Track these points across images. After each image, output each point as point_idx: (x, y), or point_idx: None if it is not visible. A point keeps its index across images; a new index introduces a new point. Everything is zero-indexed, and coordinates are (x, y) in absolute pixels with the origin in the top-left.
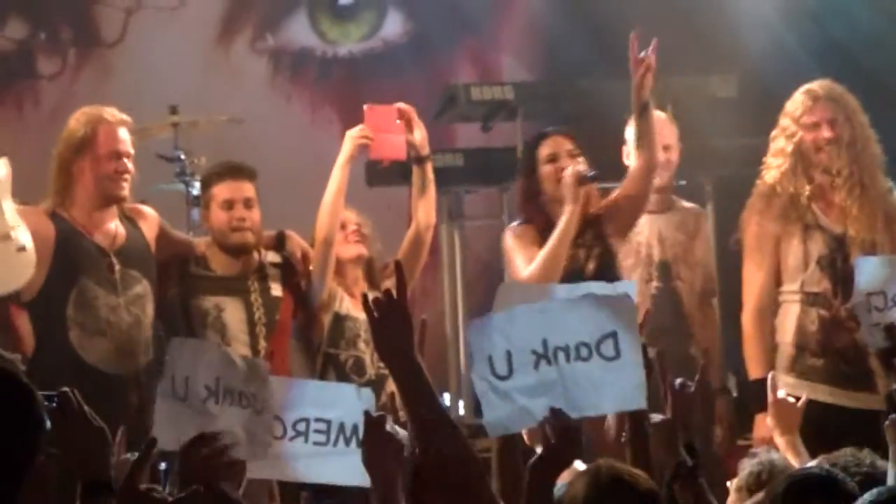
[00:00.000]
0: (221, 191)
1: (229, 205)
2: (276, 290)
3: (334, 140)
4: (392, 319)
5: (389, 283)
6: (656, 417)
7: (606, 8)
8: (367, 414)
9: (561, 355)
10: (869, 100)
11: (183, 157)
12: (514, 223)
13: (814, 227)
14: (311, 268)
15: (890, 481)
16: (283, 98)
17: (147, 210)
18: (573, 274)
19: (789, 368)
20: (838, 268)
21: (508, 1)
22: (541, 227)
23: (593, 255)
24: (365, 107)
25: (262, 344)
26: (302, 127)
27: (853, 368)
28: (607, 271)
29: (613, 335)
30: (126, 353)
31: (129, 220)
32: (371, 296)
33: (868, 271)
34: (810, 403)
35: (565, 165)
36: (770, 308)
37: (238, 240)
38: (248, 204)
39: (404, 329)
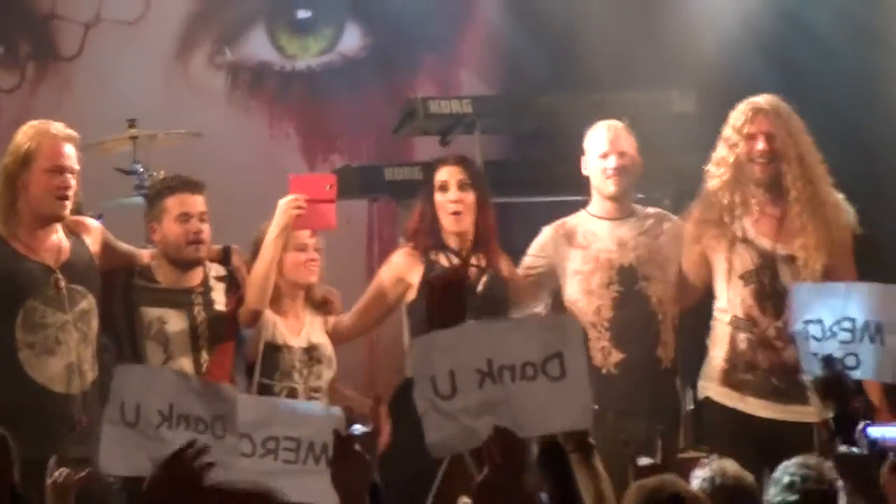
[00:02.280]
0: (176, 204)
1: (185, 218)
2: (220, 304)
3: (293, 154)
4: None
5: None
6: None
7: (566, 23)
8: (336, 433)
9: (506, 374)
10: (825, 116)
11: (141, 170)
12: (405, 247)
13: (742, 241)
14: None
15: None
16: (241, 112)
17: (91, 222)
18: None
19: (721, 381)
20: (765, 283)
21: (468, 16)
22: (425, 249)
23: (483, 277)
24: (290, 176)
25: (205, 357)
26: (260, 141)
27: (784, 383)
28: (496, 293)
29: (559, 355)
30: (75, 371)
31: (73, 233)
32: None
33: (806, 298)
34: (742, 416)
35: (461, 198)
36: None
37: (193, 253)
38: (202, 218)
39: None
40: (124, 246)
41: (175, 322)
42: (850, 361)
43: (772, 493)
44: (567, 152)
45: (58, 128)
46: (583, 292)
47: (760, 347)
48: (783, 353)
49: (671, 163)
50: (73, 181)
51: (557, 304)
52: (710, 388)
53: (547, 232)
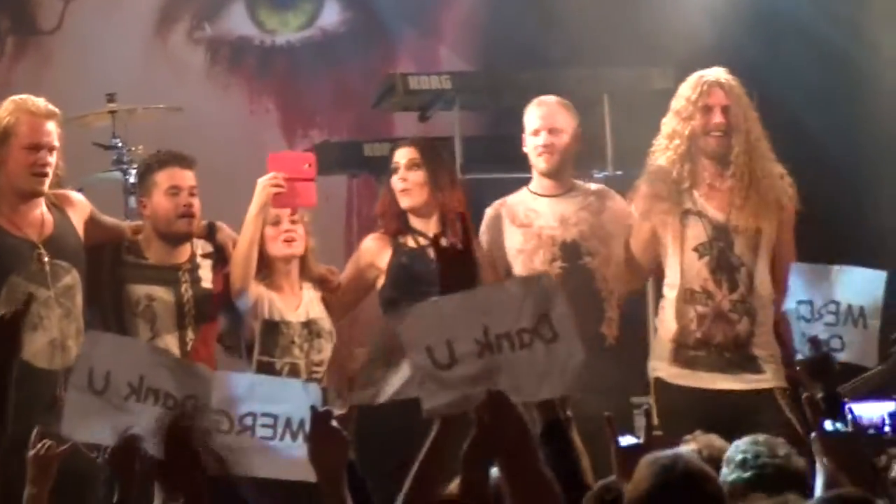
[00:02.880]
0: (166, 177)
1: (175, 191)
2: (207, 282)
3: (273, 129)
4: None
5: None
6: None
7: None
8: (313, 409)
9: (505, 343)
10: (804, 93)
11: (120, 145)
12: (376, 232)
13: (694, 214)
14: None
15: (817, 492)
16: (221, 87)
17: (76, 196)
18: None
19: (671, 360)
20: (717, 256)
21: None
22: (393, 232)
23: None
24: (269, 155)
25: (191, 336)
26: (240, 116)
27: (736, 355)
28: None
29: (546, 316)
30: (58, 347)
31: (57, 207)
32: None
33: (799, 278)
34: (696, 392)
35: (406, 177)
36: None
37: (184, 227)
38: (192, 192)
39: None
40: (109, 220)
41: (163, 299)
42: (836, 344)
43: (724, 472)
44: None
45: (38, 104)
46: (527, 270)
47: (716, 320)
48: (737, 325)
49: (649, 140)
50: (51, 158)
51: None
52: (661, 367)
53: (489, 213)
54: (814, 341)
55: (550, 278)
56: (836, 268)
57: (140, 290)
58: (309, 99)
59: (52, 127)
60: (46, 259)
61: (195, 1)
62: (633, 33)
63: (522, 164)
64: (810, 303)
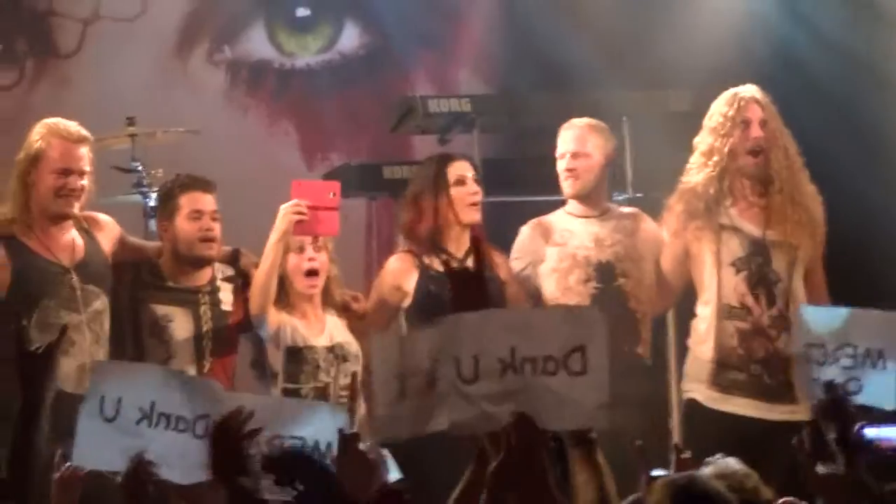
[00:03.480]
0: (188, 201)
1: (197, 215)
2: (227, 304)
3: (292, 152)
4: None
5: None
6: None
7: (563, 22)
8: (340, 432)
9: (528, 367)
10: (822, 113)
11: (140, 168)
12: (400, 252)
13: (729, 229)
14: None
15: None
16: (240, 110)
17: (104, 219)
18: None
19: (710, 382)
20: (755, 271)
21: (465, 14)
22: (422, 251)
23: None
24: (293, 182)
25: (208, 358)
26: (259, 139)
27: (775, 380)
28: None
29: (582, 349)
30: (87, 371)
31: (87, 231)
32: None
33: (810, 320)
34: (729, 417)
35: (472, 190)
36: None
37: (205, 251)
38: (213, 216)
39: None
40: (137, 241)
41: (181, 321)
42: (853, 387)
43: None
44: None
45: (70, 128)
46: (560, 289)
47: (755, 336)
48: (777, 342)
49: (668, 162)
50: (82, 182)
51: (538, 303)
52: (697, 389)
53: (524, 231)
54: (829, 385)
55: (601, 316)
56: (847, 310)
57: (158, 310)
58: (328, 122)
59: (83, 151)
60: (78, 284)
61: (214, 24)
62: (650, 55)
63: (542, 186)
64: (823, 346)
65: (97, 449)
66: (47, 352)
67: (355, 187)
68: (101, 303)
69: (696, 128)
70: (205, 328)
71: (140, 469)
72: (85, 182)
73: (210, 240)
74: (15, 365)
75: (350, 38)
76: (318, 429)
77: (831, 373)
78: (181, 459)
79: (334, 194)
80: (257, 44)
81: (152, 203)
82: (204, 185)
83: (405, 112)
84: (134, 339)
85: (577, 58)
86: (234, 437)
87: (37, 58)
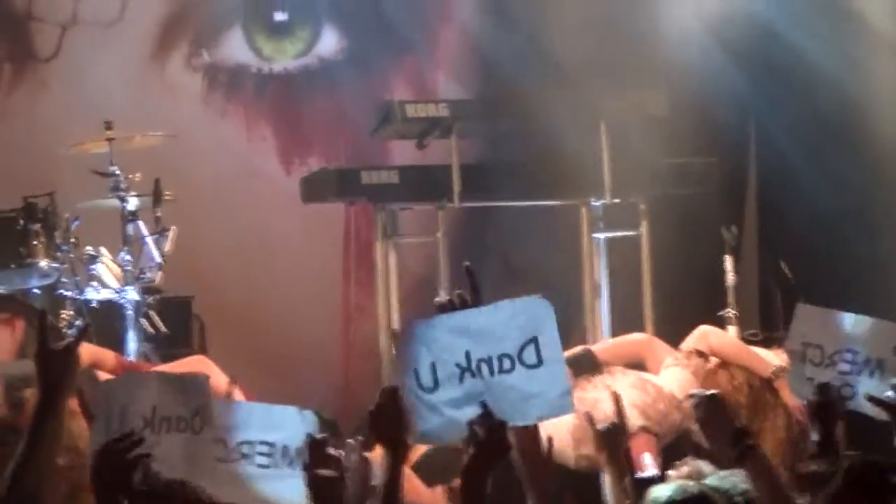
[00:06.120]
0: None
1: None
2: None
3: (270, 156)
4: None
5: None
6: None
7: (541, 25)
8: (309, 436)
9: (485, 368)
10: (802, 119)
11: (118, 172)
12: None
13: None
14: None
15: None
16: (218, 114)
17: None
18: None
19: None
20: None
21: (443, 19)
22: None
23: None
24: None
25: None
26: (237, 143)
27: None
28: None
29: (534, 341)
30: None
31: None
32: None
33: (808, 320)
34: None
35: None
36: None
37: None
38: None
39: None
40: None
41: None
42: (846, 392)
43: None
44: (542, 154)
45: None
46: None
47: None
48: None
49: (644, 166)
50: None
51: None
52: None
53: None
54: (823, 387)
55: (547, 304)
56: (851, 316)
57: None
58: (306, 126)
59: None
60: None
61: (193, 28)
62: (627, 59)
63: (519, 191)
64: (820, 348)
65: None
66: (67, 349)
67: (333, 192)
68: None
69: (671, 132)
70: None
71: (112, 451)
72: None
73: None
74: None
75: (328, 42)
76: (288, 433)
77: (826, 375)
78: (185, 460)
79: None
80: (235, 48)
81: (130, 207)
82: None
83: (384, 117)
84: None
85: (553, 61)
86: (116, 463)
87: (14, 62)
